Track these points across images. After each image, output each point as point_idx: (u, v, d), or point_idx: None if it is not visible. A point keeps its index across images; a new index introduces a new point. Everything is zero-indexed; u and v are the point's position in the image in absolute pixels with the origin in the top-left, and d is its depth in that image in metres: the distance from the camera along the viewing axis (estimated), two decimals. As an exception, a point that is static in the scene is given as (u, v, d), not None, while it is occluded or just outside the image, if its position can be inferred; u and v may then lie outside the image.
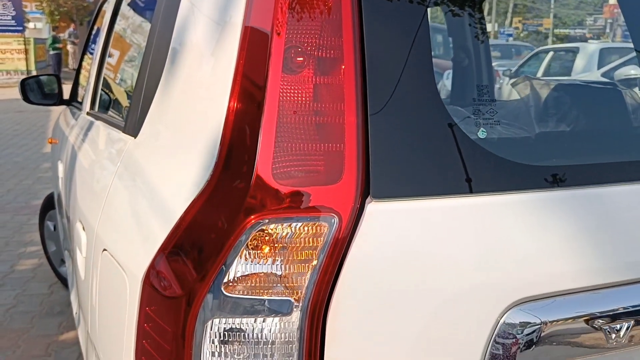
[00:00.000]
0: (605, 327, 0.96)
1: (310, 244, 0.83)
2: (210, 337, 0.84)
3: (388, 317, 0.85)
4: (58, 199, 3.19)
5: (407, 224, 0.87)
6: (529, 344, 0.93)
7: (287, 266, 0.83)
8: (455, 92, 2.05)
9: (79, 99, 3.09)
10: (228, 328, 0.83)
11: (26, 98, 3.40)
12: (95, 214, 1.33)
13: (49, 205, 4.02)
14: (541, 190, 0.94)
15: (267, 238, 0.83)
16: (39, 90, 3.45)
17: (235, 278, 0.83)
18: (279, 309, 0.83)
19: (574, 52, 8.28)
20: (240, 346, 0.84)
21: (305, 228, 0.83)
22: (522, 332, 0.92)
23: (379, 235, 0.86)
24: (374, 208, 0.86)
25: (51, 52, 20.00)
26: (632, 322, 0.99)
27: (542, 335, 0.93)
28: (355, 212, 0.84)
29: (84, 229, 1.49)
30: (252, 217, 0.83)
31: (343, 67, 0.85)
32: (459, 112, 1.07)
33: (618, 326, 0.97)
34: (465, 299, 0.88)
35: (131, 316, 0.99)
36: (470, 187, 0.90)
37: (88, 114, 2.22)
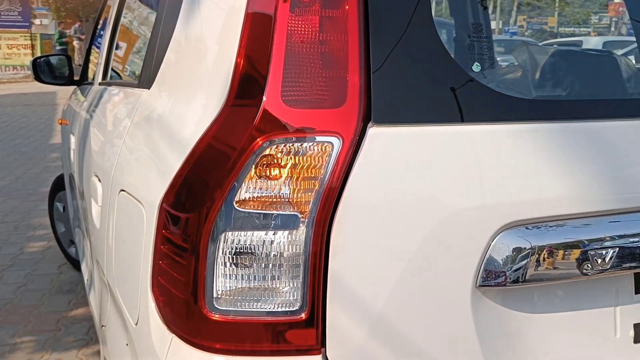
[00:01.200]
0: (593, 254, 1.03)
1: (316, 163, 0.90)
2: (223, 250, 0.90)
3: (386, 234, 0.92)
4: (69, 178, 3.26)
5: (405, 147, 0.94)
6: (519, 267, 0.99)
7: (294, 183, 0.90)
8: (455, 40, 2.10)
9: (89, 79, 3.17)
10: (239, 241, 0.90)
11: (37, 77, 3.47)
12: (112, 161, 1.40)
13: (58, 187, 4.09)
14: (535, 122, 1.01)
15: (275, 158, 0.90)
16: (49, 70, 3.53)
17: (246, 195, 0.90)
18: (287, 224, 0.90)
19: (577, 45, 8.35)
20: (250, 258, 0.90)
21: (311, 148, 0.90)
22: (512, 255, 0.98)
23: (378, 157, 0.92)
24: (375, 132, 0.92)
25: (57, 47, 20.14)
26: (619, 250, 1.05)
27: (531, 259, 0.99)
28: (357, 135, 0.91)
29: (99, 180, 1.56)
30: (262, 138, 0.90)
31: (347, 5, 0.93)
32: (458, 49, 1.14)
33: (605, 252, 1.04)
34: (459, 219, 0.95)
35: (148, 243, 1.06)
36: (465, 116, 0.97)
37: (100, 84, 2.30)
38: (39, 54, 20.21)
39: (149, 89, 1.36)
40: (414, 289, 0.94)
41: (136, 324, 1.14)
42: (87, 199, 1.86)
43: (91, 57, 3.66)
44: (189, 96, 1.11)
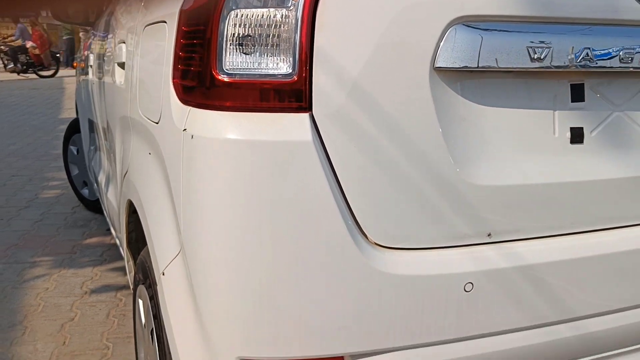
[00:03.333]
0: (533, 51, 1.25)
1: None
2: (233, 22, 1.12)
3: (362, 14, 1.14)
4: (86, 105, 3.49)
5: None
6: (470, 54, 1.21)
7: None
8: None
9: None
10: (243, 17, 1.13)
11: None
12: (135, 22, 1.66)
13: (73, 130, 4.32)
14: None
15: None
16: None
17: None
18: (281, 3, 1.13)
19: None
20: (253, 30, 1.13)
21: None
22: (464, 43, 1.20)
23: None
24: None
25: (64, 37, 20.42)
26: (556, 53, 1.27)
27: (482, 48, 1.21)
28: None
29: (124, 42, 1.81)
30: None
31: None
32: None
33: (544, 51, 1.26)
34: (420, 7, 1.16)
35: (169, 48, 1.30)
36: None
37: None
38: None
39: None
40: (384, 65, 1.16)
41: (157, 122, 1.37)
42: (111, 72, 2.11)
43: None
44: None
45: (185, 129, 1.21)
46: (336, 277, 1.19)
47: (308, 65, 1.14)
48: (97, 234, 3.91)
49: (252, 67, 1.15)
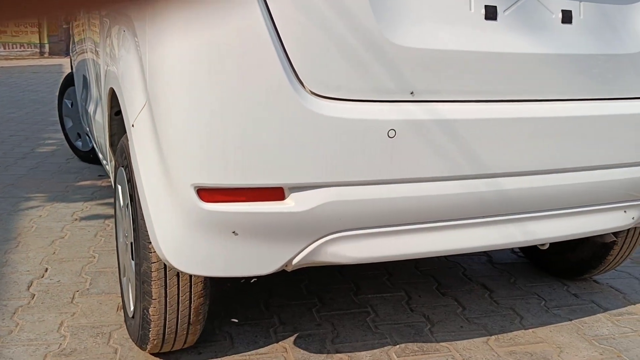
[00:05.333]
0: None
1: None
2: None
3: None
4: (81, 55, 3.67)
5: None
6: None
7: None
8: None
9: None
10: None
11: None
12: None
13: (67, 83, 4.53)
14: None
15: None
16: None
17: None
18: None
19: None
20: None
21: None
22: None
23: None
24: None
25: (64, 26, 20.64)
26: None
27: None
28: None
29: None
30: None
31: None
32: None
33: None
34: None
35: None
36: None
37: None
38: (45, 33, 20.71)
39: None
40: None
41: None
42: None
43: None
44: None
45: None
46: (276, 118, 1.40)
47: None
48: (89, 178, 4.12)
49: None
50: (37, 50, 20.30)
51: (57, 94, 4.68)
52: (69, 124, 4.59)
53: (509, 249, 2.95)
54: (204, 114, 1.38)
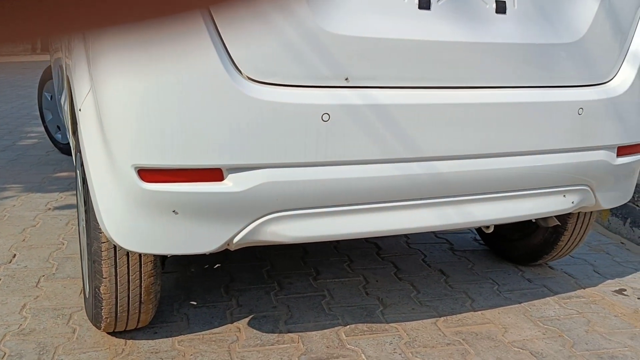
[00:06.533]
0: None
1: None
2: None
3: None
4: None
5: None
6: None
7: None
8: None
9: None
10: None
11: None
12: None
13: (47, 77, 4.58)
14: None
15: None
16: None
17: None
18: None
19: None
20: None
21: None
22: None
23: None
24: None
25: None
26: None
27: None
28: None
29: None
30: None
31: None
32: None
33: None
34: None
35: None
36: None
37: None
38: (37, 29, 20.69)
39: None
40: None
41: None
42: None
43: None
44: None
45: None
46: (213, 102, 1.47)
47: None
48: (67, 170, 4.18)
49: None
50: (30, 46, 20.31)
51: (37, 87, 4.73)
52: (48, 116, 4.64)
53: (472, 237, 3.03)
54: (142, 98, 1.45)
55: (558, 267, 2.71)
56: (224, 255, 2.65)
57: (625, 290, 2.51)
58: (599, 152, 1.95)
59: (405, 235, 3.00)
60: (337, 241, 2.89)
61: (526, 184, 1.87)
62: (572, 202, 2.00)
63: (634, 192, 3.10)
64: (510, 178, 1.83)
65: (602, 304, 2.36)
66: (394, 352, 1.95)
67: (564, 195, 1.98)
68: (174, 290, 2.35)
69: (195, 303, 2.25)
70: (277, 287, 2.39)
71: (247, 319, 2.13)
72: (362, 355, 1.93)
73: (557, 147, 1.84)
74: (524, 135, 1.78)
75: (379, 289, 2.41)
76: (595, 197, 2.05)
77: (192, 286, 2.38)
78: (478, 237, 2.99)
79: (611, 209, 3.26)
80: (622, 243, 3.08)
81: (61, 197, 3.52)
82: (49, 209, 3.30)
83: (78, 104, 1.62)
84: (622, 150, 2.01)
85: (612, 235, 3.20)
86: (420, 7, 1.63)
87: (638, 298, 2.44)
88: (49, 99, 4.60)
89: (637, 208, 3.07)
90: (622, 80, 1.94)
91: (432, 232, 3.05)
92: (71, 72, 1.77)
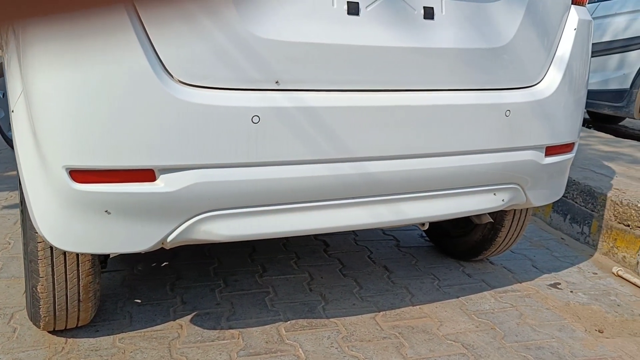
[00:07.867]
0: None
1: None
2: None
3: None
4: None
5: None
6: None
7: None
8: None
9: None
10: None
11: None
12: None
13: (-1, 74, 4.52)
14: None
15: None
16: None
17: None
18: None
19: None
20: None
21: None
22: None
23: None
24: None
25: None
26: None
27: None
28: None
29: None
30: None
31: None
32: None
33: None
34: None
35: None
36: None
37: None
38: None
39: None
40: None
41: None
42: None
43: None
44: None
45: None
46: (143, 105, 1.50)
47: None
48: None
49: None
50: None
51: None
52: (1, 114, 4.58)
53: (418, 234, 3.11)
54: (71, 101, 1.47)
55: (498, 262, 2.81)
56: (172, 253, 2.68)
57: (559, 284, 2.61)
58: (527, 152, 2.03)
59: (354, 232, 3.07)
60: (286, 239, 2.94)
61: (457, 183, 1.95)
62: (503, 200, 2.09)
63: (573, 190, 3.22)
64: (441, 177, 1.90)
65: (535, 298, 2.45)
66: (331, 346, 2.01)
67: (495, 194, 2.06)
68: (120, 288, 2.37)
69: (139, 301, 2.27)
70: (222, 285, 2.43)
71: (189, 316, 2.17)
72: (300, 349, 1.98)
73: (486, 147, 1.92)
74: (453, 136, 1.85)
75: (323, 285, 2.47)
76: (525, 195, 2.14)
77: (138, 284, 2.40)
78: (424, 234, 3.07)
79: (553, 206, 3.38)
80: (562, 239, 3.20)
81: (10, 196, 3.49)
82: (-2, 208, 3.28)
83: (11, 106, 1.63)
84: (550, 150, 2.10)
85: (553, 231, 3.32)
86: (349, 13, 1.68)
87: (571, 291, 2.54)
88: (1, 96, 4.54)
89: (576, 205, 3.19)
90: (549, 83, 2.02)
91: (379, 229, 3.12)
92: (5, 73, 1.78)
